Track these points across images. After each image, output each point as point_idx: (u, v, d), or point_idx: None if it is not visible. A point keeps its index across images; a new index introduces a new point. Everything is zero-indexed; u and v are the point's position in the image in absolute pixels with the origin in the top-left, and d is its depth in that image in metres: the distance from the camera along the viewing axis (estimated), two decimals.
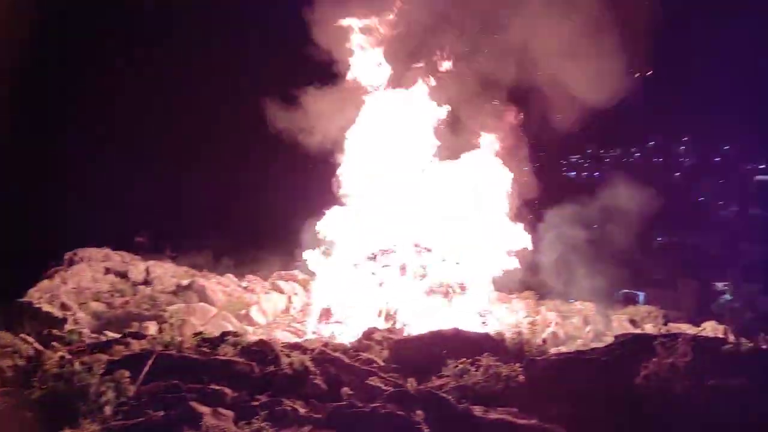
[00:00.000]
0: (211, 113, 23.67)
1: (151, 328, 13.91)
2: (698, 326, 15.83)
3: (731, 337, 14.87)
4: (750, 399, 7.53)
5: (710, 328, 15.39)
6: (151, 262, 18.49)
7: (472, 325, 15.16)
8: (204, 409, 7.35)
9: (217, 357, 9.71)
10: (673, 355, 7.74)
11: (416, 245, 15.96)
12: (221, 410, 7.45)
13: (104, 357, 9.37)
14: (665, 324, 16.29)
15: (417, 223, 16.15)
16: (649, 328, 16.17)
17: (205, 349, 10.36)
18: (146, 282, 17.55)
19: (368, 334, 13.42)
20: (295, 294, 17.68)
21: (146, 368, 8.72)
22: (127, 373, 8.08)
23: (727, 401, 7.46)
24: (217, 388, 8.36)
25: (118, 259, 18.67)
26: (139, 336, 11.96)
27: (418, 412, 6.83)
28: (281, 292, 18.11)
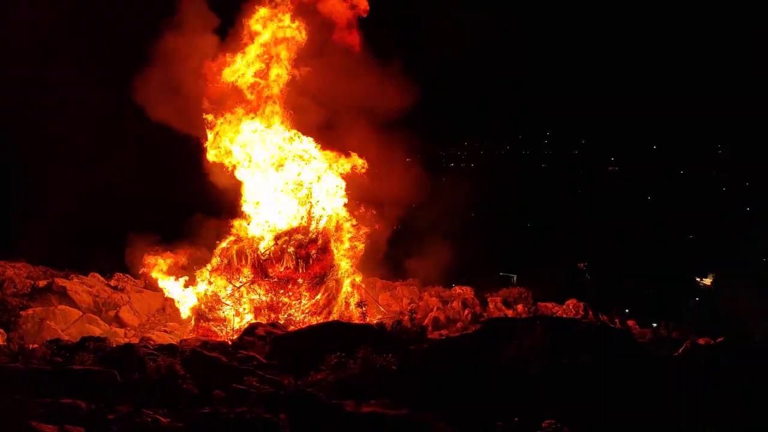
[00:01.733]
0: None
1: None
2: (562, 304, 17.10)
3: (590, 313, 16.39)
4: (598, 374, 8.22)
5: (572, 306, 16.68)
6: (0, 262, 16.64)
7: (354, 315, 15.30)
8: (49, 428, 6.65)
9: (72, 366, 8.90)
10: (532, 336, 8.21)
11: (301, 236, 15.67)
12: (69, 428, 6.77)
13: None
14: (534, 303, 17.39)
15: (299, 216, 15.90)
16: (520, 308, 17.22)
17: (58, 359, 9.49)
18: None
19: (251, 330, 12.99)
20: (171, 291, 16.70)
21: None
22: None
23: (579, 377, 8.07)
24: (70, 401, 7.63)
25: None
26: None
27: (282, 416, 6.64)
28: (156, 289, 17.10)
